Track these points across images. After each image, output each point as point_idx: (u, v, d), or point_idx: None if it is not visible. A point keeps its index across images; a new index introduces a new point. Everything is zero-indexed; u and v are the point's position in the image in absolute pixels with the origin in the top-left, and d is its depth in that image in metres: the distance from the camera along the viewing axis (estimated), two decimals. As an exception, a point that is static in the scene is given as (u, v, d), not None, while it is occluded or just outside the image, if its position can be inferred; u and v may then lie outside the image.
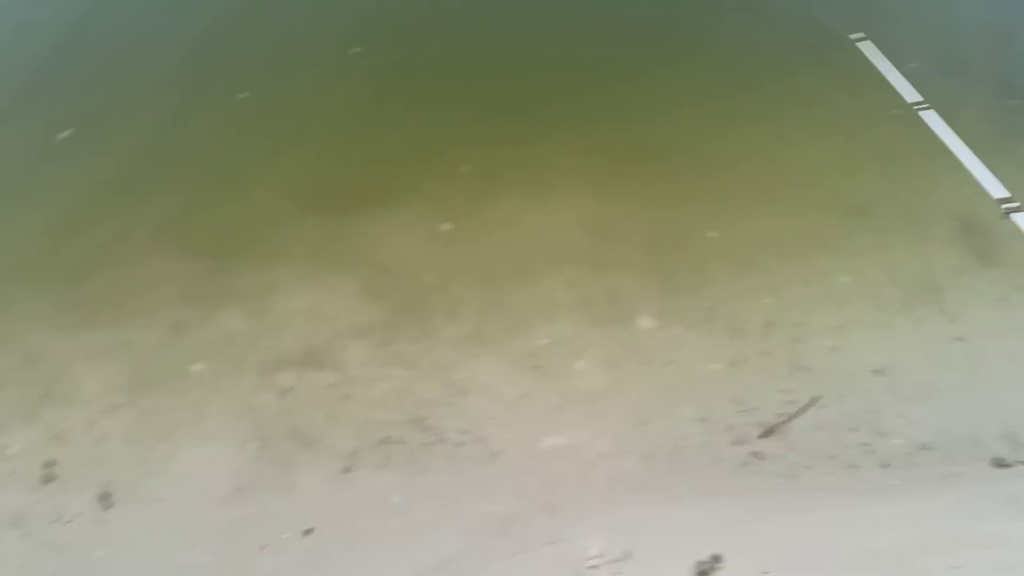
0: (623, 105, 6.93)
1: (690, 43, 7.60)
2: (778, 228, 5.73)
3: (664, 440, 4.49)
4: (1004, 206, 5.61)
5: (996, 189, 5.72)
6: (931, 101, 6.51)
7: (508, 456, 4.50)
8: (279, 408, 4.92)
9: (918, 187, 5.86)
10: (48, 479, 4.70)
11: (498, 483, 4.37)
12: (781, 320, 5.14)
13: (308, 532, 4.30)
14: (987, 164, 5.88)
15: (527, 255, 5.65)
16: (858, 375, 4.78)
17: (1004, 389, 4.62)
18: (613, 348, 5.04)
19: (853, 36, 7.26)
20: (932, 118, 6.36)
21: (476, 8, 8.16)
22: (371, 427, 4.75)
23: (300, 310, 5.49)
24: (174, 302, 5.58)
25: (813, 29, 7.46)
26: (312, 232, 6.00)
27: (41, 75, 7.90)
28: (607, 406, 4.71)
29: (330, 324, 5.38)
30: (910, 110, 6.48)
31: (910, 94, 6.61)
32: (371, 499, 4.43)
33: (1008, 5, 7.68)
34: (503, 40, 7.75)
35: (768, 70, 7.12)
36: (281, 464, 4.64)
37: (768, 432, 4.44)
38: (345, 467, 4.58)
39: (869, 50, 7.10)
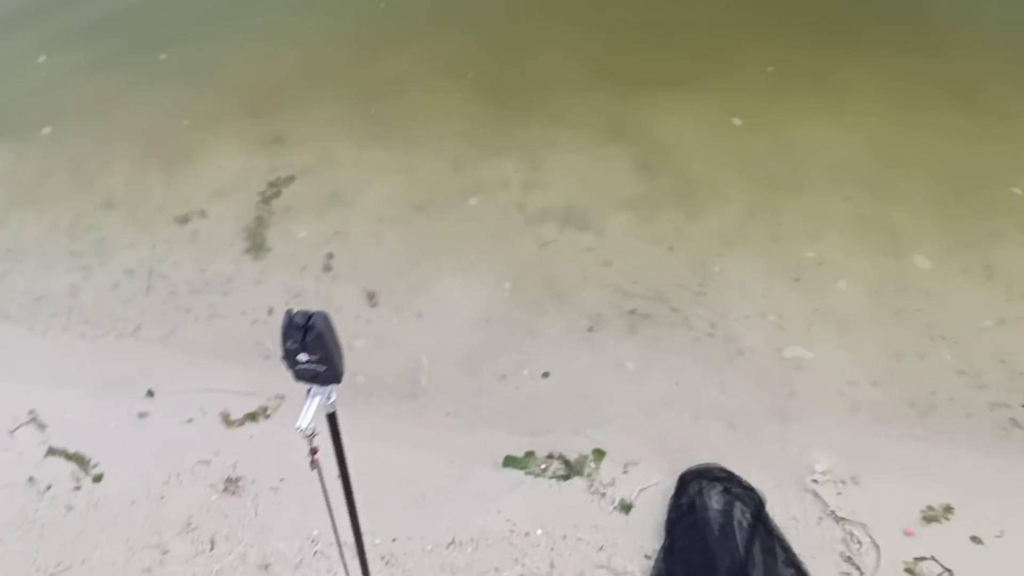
0: (936, 28, 6.43)
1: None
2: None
3: (916, 381, 4.34)
4: None
5: None
6: None
7: (751, 357, 4.51)
8: (538, 257, 5.14)
9: None
10: (326, 269, 5.20)
11: (736, 379, 4.41)
12: (1073, 295, 4.75)
13: (545, 375, 4.55)
14: None
15: (809, 166, 5.47)
16: None
17: None
18: (880, 278, 4.85)
19: None
20: None
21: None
22: (621, 296, 4.88)
23: (571, 171, 5.64)
24: (458, 138, 5.88)
25: None
26: (597, 100, 6.08)
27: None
28: (862, 333, 4.58)
29: (597, 190, 5.50)
30: None
31: None
32: (608, 362, 4.60)
33: None
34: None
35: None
36: (531, 308, 4.89)
37: (1034, 402, 4.20)
38: (589, 326, 4.76)
39: None
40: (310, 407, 2.10)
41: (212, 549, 3.84)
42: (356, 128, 6.04)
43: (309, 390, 2.13)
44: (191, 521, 3.97)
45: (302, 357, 1.99)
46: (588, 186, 5.55)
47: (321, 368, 2.02)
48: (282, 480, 4.12)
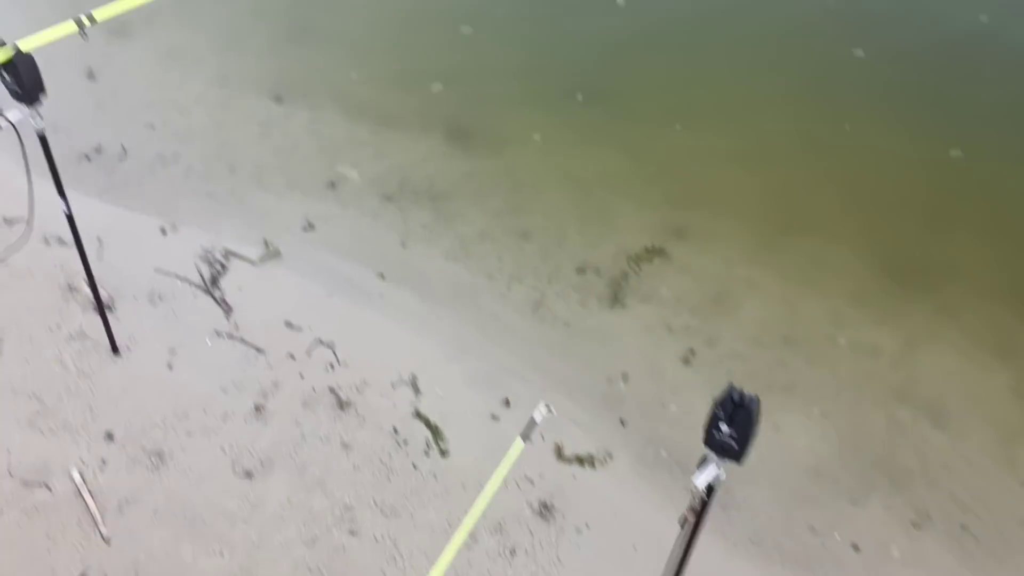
0: None
1: None
2: None
3: None
4: None
5: None
6: None
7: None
8: (884, 434, 5.19)
9: None
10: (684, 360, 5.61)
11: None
12: None
13: (855, 549, 4.60)
14: None
15: None
16: None
17: None
18: None
19: None
20: None
21: None
22: (953, 504, 4.82)
23: (945, 369, 5.63)
24: (845, 297, 6.06)
25: None
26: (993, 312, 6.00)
27: None
28: None
29: (968, 398, 5.44)
30: None
31: None
32: None
33: None
34: None
35: None
36: (860, 479, 4.94)
37: None
38: (913, 521, 4.74)
39: None
40: (704, 472, 2.46)
41: (512, 556, 4.34)
42: (753, 248, 6.38)
43: (703, 458, 2.48)
44: (502, 525, 4.49)
45: (723, 427, 2.34)
46: (958, 390, 5.48)
47: (732, 444, 2.35)
48: (588, 525, 4.54)
